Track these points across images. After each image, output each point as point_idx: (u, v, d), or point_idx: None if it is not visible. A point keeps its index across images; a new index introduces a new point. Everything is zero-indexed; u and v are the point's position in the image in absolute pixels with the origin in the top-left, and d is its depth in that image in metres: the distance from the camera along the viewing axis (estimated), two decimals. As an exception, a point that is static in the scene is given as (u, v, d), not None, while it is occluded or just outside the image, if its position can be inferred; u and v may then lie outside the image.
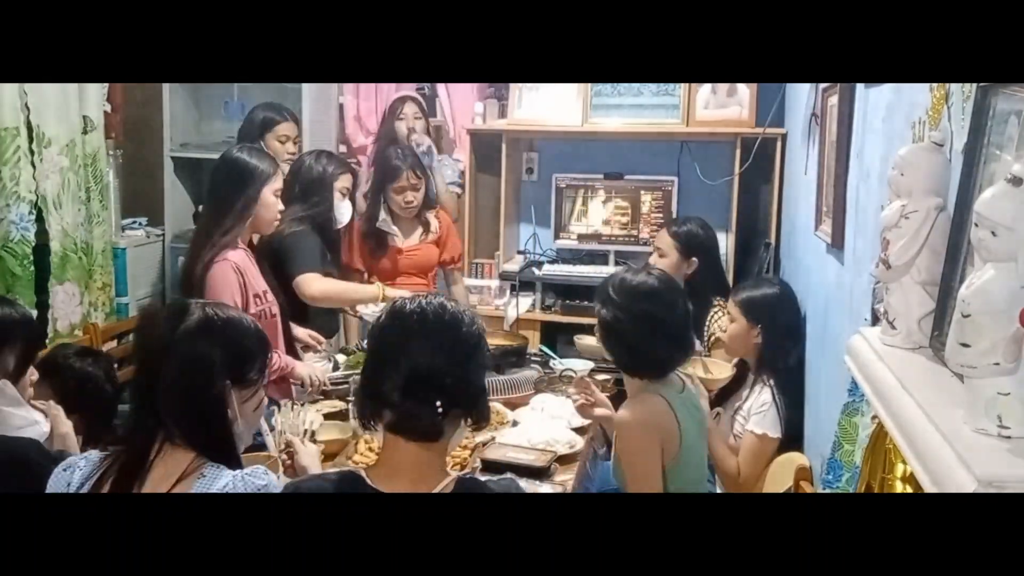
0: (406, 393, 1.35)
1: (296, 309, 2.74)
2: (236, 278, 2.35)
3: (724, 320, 2.73)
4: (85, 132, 3.16)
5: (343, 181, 3.00)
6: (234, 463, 1.42)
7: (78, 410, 2.11)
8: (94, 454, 1.45)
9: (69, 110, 3.04)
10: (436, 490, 1.36)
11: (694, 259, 3.04)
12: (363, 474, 1.39)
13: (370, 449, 2.19)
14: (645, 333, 1.97)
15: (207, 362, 1.42)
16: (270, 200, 2.45)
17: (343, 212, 3.01)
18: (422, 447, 1.38)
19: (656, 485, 1.97)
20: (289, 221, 2.83)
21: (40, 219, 3.03)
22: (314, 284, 2.78)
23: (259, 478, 1.38)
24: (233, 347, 1.46)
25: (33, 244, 2.98)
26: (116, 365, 2.58)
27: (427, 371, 1.35)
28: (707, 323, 2.98)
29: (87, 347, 2.41)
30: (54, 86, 2.94)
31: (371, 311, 2.80)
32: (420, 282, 3.34)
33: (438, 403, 1.35)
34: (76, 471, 1.42)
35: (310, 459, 1.83)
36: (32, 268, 2.98)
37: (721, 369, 2.67)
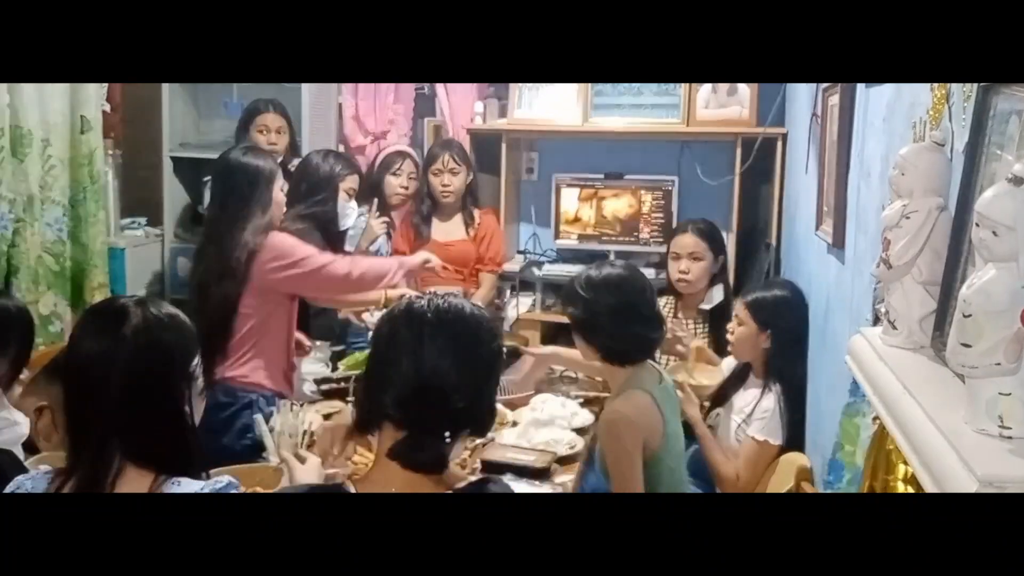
0: (412, 417, 1.22)
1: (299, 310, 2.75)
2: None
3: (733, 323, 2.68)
4: (82, 132, 3.15)
5: (350, 182, 3.00)
6: (198, 465, 1.36)
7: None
8: (40, 472, 1.35)
9: (47, 110, 3.02)
10: None
11: (722, 256, 3.16)
12: (352, 490, 1.30)
13: (369, 450, 2.18)
14: (622, 320, 2.05)
15: (164, 363, 1.31)
16: (280, 198, 2.53)
17: (348, 213, 3.01)
18: (418, 475, 1.25)
19: (637, 481, 2.00)
20: (292, 218, 2.84)
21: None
22: None
23: (220, 482, 1.33)
24: (182, 341, 1.36)
25: (10, 242, 3.00)
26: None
27: (439, 393, 1.21)
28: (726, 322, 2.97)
29: None
30: (31, 85, 2.94)
31: (376, 319, 2.82)
32: (456, 277, 3.47)
33: (447, 434, 1.22)
34: (24, 489, 1.33)
35: (308, 474, 1.62)
36: (6, 265, 3.00)
37: (711, 375, 2.66)
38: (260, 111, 3.36)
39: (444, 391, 1.22)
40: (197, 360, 1.38)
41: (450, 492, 1.35)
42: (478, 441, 2.29)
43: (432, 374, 1.22)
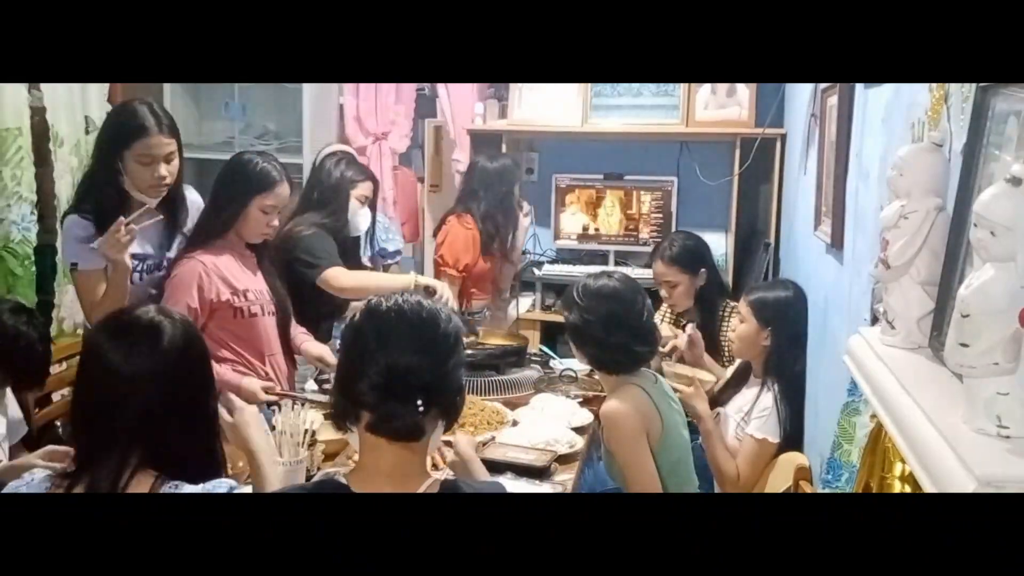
0: (386, 392, 1.32)
1: (302, 312, 2.73)
2: (196, 277, 2.33)
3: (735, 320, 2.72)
4: (87, 132, 3.15)
5: (362, 189, 2.95)
6: (218, 467, 1.42)
7: (8, 368, 2.16)
8: (37, 477, 1.39)
9: (75, 110, 3.04)
10: (419, 491, 1.35)
11: (703, 271, 3.07)
12: (343, 479, 1.37)
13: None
14: (610, 332, 2.14)
15: (199, 372, 1.40)
16: (255, 215, 2.40)
17: (361, 220, 2.98)
18: (402, 448, 1.35)
19: (650, 469, 2.08)
20: (306, 225, 2.83)
21: (42, 219, 3.03)
22: (343, 276, 2.76)
23: (219, 488, 1.36)
24: (205, 348, 1.43)
25: (35, 244, 2.98)
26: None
27: (406, 369, 1.33)
28: (724, 328, 2.98)
29: (21, 304, 2.35)
30: (65, 85, 2.94)
31: None
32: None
33: (419, 401, 1.32)
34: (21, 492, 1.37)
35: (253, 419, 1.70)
36: (33, 268, 2.98)
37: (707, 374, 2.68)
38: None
39: (411, 370, 1.33)
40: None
41: (450, 493, 1.36)
42: (478, 439, 2.29)
43: (401, 357, 1.33)
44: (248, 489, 1.57)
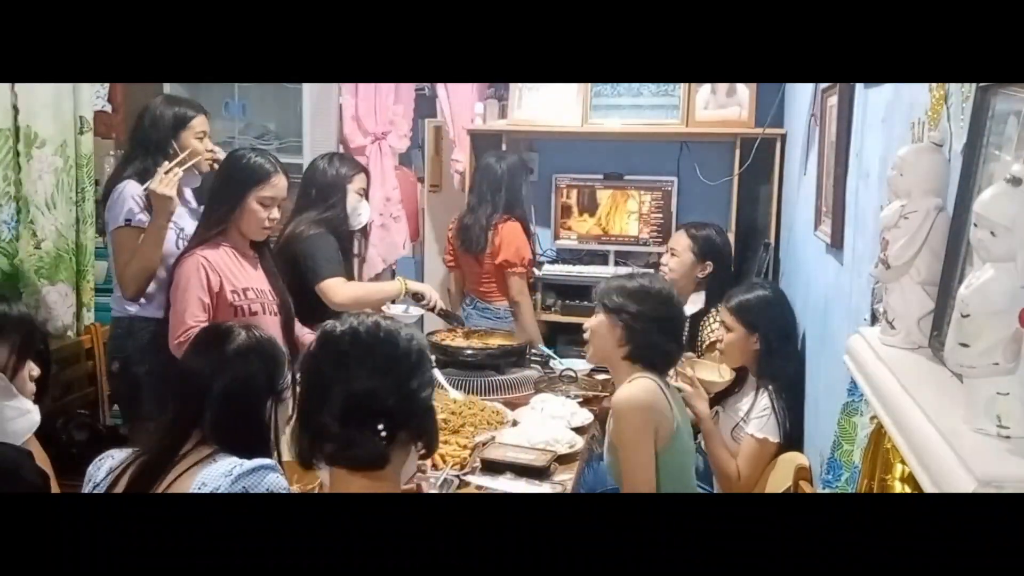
0: (345, 420, 1.27)
1: (307, 312, 2.73)
2: (200, 273, 2.36)
3: (716, 326, 2.73)
4: (81, 132, 3.14)
5: (358, 182, 2.99)
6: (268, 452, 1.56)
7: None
8: (125, 450, 1.58)
9: (62, 110, 3.03)
10: None
11: (709, 263, 3.10)
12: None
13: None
14: (661, 331, 2.15)
15: (255, 381, 1.54)
16: (253, 207, 2.42)
17: (362, 213, 3.01)
18: (372, 480, 1.29)
19: (648, 470, 2.04)
20: (308, 224, 2.85)
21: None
22: (340, 290, 2.81)
23: (264, 463, 1.47)
24: (272, 365, 1.58)
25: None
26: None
27: (365, 394, 1.27)
28: (700, 329, 2.99)
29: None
30: (46, 86, 2.93)
31: (398, 310, 2.86)
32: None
33: (380, 427, 1.27)
34: (107, 461, 1.56)
35: None
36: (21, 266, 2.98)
37: (718, 372, 2.67)
38: (192, 115, 2.72)
39: (370, 391, 1.29)
40: (285, 382, 1.59)
41: (449, 493, 1.36)
42: (478, 440, 2.29)
43: (358, 382, 1.30)
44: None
